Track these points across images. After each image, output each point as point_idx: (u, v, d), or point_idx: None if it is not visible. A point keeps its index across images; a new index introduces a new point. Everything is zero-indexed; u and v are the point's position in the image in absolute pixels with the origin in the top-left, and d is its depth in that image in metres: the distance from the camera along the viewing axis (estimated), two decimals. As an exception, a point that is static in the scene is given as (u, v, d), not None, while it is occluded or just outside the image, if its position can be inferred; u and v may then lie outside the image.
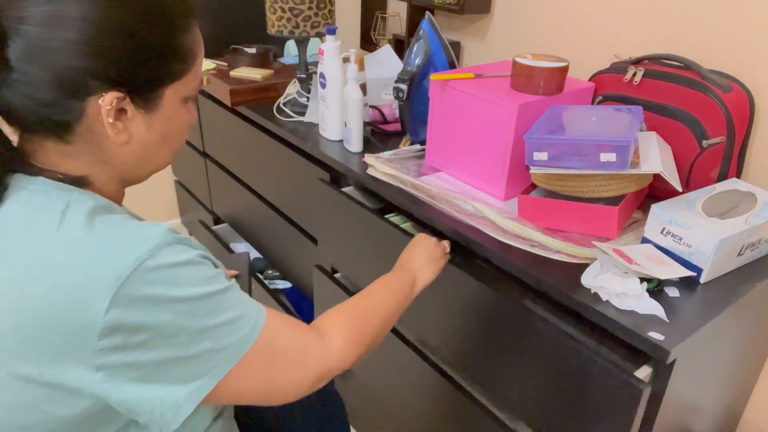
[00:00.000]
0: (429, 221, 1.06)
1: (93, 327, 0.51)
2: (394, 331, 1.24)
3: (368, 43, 1.90)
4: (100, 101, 0.56)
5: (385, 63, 1.55)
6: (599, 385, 0.83)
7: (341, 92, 1.29)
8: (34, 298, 0.52)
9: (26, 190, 0.57)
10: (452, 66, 1.24)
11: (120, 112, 0.59)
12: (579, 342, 0.84)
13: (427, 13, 1.23)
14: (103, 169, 0.63)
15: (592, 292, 0.83)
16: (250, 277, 0.95)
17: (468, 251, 1.02)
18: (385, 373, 1.31)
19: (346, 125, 1.29)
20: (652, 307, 0.80)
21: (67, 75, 0.55)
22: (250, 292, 0.97)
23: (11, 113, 0.57)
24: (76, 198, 0.57)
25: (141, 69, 0.58)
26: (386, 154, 1.24)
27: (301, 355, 0.65)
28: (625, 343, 0.84)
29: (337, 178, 1.34)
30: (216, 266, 0.64)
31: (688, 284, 0.86)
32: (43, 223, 0.54)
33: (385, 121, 1.45)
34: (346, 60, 1.28)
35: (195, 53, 0.64)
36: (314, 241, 1.51)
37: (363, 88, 1.33)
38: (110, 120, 0.58)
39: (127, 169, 0.65)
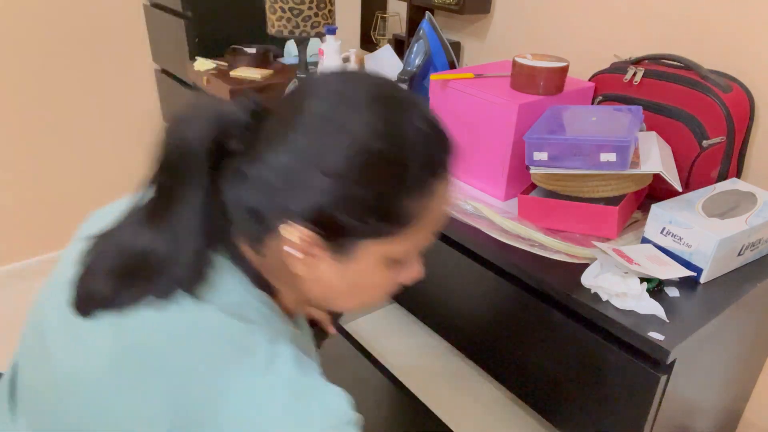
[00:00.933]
0: (429, 221, 1.06)
1: None
2: (423, 324, 1.23)
3: (368, 43, 1.90)
4: (286, 231, 0.53)
5: (385, 63, 1.55)
6: (616, 372, 0.83)
7: (341, 92, 1.29)
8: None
9: (226, 283, 0.56)
10: (452, 66, 1.24)
11: (309, 248, 0.54)
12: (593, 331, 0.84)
13: (427, 13, 1.23)
14: (289, 290, 0.60)
15: (592, 292, 0.83)
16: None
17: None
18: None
19: (346, 125, 1.29)
20: (652, 307, 0.80)
21: (274, 193, 0.53)
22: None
23: (226, 208, 0.56)
24: (276, 326, 0.56)
25: (338, 216, 0.52)
26: (386, 154, 1.24)
27: None
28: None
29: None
30: None
31: (688, 284, 0.86)
32: (249, 354, 0.52)
33: (385, 121, 1.45)
34: (346, 60, 1.29)
35: (416, 219, 0.55)
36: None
37: (363, 88, 1.33)
38: (296, 253, 0.55)
39: (312, 298, 0.61)
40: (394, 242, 0.55)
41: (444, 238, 1.05)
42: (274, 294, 0.59)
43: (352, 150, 0.50)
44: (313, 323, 0.97)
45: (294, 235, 0.53)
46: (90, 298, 0.56)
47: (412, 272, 0.62)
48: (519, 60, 1.04)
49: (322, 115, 0.52)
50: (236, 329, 0.53)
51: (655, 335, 0.75)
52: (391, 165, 0.52)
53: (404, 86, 1.17)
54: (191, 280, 0.54)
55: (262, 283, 0.58)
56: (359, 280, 0.58)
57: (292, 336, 0.58)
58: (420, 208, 0.54)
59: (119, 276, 0.56)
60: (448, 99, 1.11)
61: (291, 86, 1.61)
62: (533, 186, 1.06)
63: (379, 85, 0.55)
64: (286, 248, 0.54)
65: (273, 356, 0.52)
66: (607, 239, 0.94)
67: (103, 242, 0.59)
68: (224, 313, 0.53)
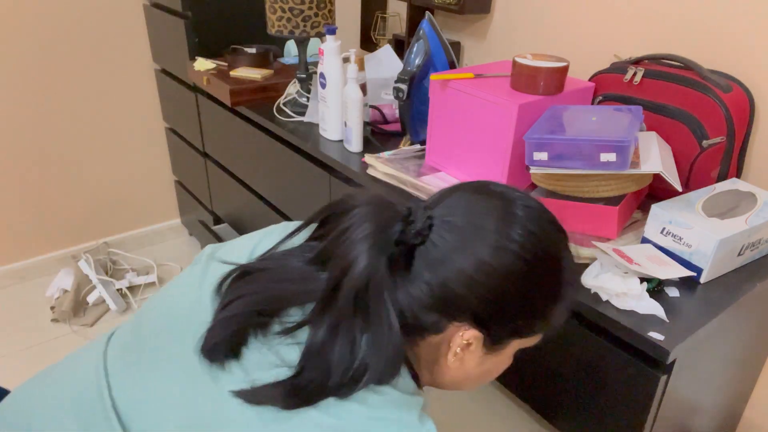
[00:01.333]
0: (429, 221, 1.06)
1: None
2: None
3: (368, 43, 1.90)
4: (460, 332, 0.58)
5: (385, 63, 1.55)
6: (616, 372, 0.83)
7: (341, 92, 1.29)
8: None
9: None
10: (452, 66, 1.24)
11: (467, 344, 0.60)
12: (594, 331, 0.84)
13: (427, 13, 1.23)
14: (425, 373, 0.65)
15: (592, 292, 0.83)
16: None
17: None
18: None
19: (346, 125, 1.29)
20: (652, 307, 0.80)
21: (452, 298, 0.56)
22: None
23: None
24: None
25: (509, 323, 0.59)
26: (386, 154, 1.24)
27: None
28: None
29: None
30: None
31: (688, 284, 0.86)
32: None
33: (385, 121, 1.45)
34: (346, 60, 1.29)
35: (552, 321, 0.62)
36: (314, 241, 1.51)
37: (363, 88, 1.33)
38: (458, 350, 0.60)
39: (440, 382, 0.66)
40: (532, 339, 0.63)
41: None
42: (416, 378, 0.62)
43: (520, 266, 0.56)
44: None
45: (466, 336, 0.58)
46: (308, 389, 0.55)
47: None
48: (519, 60, 1.04)
49: (493, 229, 0.57)
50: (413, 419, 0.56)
51: (655, 335, 0.75)
52: (551, 281, 0.59)
53: (404, 86, 1.17)
54: (389, 374, 0.56)
55: (411, 369, 0.61)
56: (494, 368, 0.65)
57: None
58: (556, 313, 0.61)
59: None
60: (448, 99, 1.11)
61: (291, 86, 1.60)
62: (533, 186, 1.06)
63: (534, 209, 0.61)
64: (454, 348, 0.59)
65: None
66: (607, 239, 0.94)
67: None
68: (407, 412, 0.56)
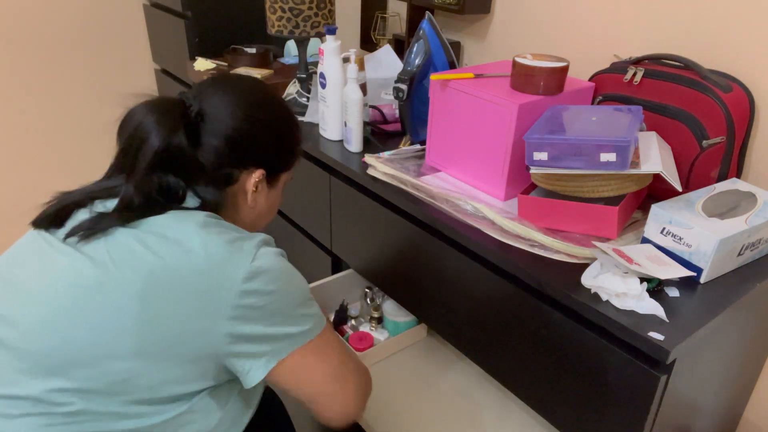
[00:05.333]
0: (429, 221, 1.06)
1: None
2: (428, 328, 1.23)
3: (368, 43, 1.90)
4: (253, 175, 0.85)
5: (385, 63, 1.55)
6: (616, 372, 0.83)
7: (341, 92, 1.29)
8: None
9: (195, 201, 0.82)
10: (452, 66, 1.24)
11: (258, 185, 0.86)
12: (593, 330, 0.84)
13: (427, 13, 1.23)
14: (234, 220, 0.88)
15: (592, 292, 0.83)
16: None
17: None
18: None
19: (346, 125, 1.29)
20: (652, 307, 0.80)
21: (235, 151, 0.82)
22: None
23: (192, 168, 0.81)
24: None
25: (279, 158, 0.89)
26: (386, 154, 1.24)
27: (343, 369, 0.84)
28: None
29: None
30: None
31: (688, 284, 0.86)
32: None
33: (385, 121, 1.45)
34: (346, 60, 1.28)
35: (298, 156, 0.94)
36: (314, 240, 1.51)
37: (363, 88, 1.33)
38: (253, 189, 0.86)
39: (248, 226, 0.90)
40: (290, 171, 0.93)
41: (444, 238, 1.05)
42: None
43: (277, 117, 0.88)
44: None
45: (256, 176, 0.85)
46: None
47: (282, 197, 0.98)
48: (519, 60, 1.04)
49: (243, 92, 0.85)
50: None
51: (655, 335, 0.75)
52: (291, 116, 0.92)
53: (404, 86, 1.17)
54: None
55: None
56: (273, 202, 0.93)
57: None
58: (299, 150, 0.93)
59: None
60: (448, 99, 1.11)
61: (291, 86, 1.60)
62: (533, 186, 1.06)
63: (261, 82, 0.95)
64: (250, 188, 0.85)
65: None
66: (607, 239, 0.94)
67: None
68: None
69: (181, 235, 0.73)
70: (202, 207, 0.80)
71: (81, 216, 0.77)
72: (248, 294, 0.72)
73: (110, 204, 0.77)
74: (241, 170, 0.83)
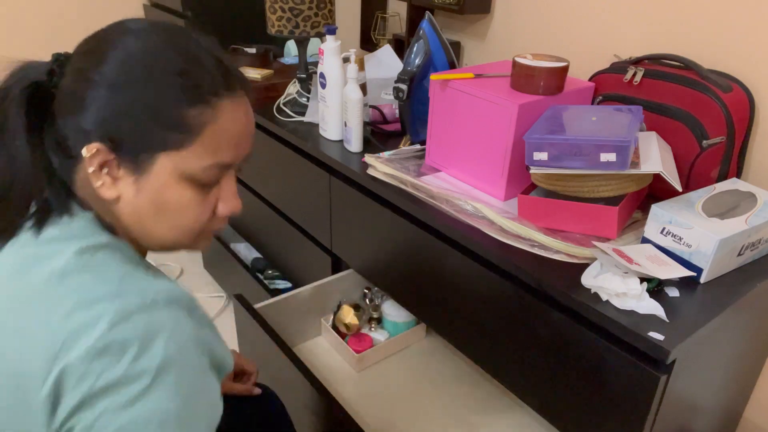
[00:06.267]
0: (429, 221, 1.06)
1: None
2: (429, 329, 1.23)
3: (368, 43, 1.90)
4: (83, 150, 0.58)
5: (385, 63, 1.55)
6: (616, 372, 0.83)
7: (341, 92, 1.29)
8: None
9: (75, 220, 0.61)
10: (452, 66, 1.24)
11: (107, 165, 0.59)
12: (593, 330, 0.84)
13: (427, 13, 1.23)
14: (107, 218, 0.63)
15: (592, 292, 0.83)
16: None
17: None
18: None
19: (346, 125, 1.29)
20: (652, 307, 0.80)
21: (66, 120, 0.59)
22: None
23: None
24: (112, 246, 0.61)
25: (122, 125, 0.57)
26: (386, 154, 1.24)
27: None
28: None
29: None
30: None
31: (688, 284, 0.86)
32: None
33: (385, 121, 1.45)
34: (346, 60, 1.28)
35: (201, 131, 0.59)
36: (314, 240, 1.51)
37: (363, 88, 1.33)
38: (91, 169, 0.59)
39: (130, 231, 0.64)
40: (186, 155, 0.59)
41: (444, 238, 1.05)
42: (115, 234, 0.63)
43: (124, 62, 0.57)
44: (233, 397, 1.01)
45: (86, 150, 0.58)
46: None
47: (226, 201, 0.65)
48: (519, 60, 1.04)
49: (102, 39, 0.59)
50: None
51: (655, 335, 0.75)
52: (165, 74, 0.57)
53: (404, 86, 1.17)
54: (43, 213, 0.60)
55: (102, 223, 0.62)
56: (159, 197, 0.61)
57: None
58: (205, 120, 0.59)
59: None
60: (448, 99, 1.11)
61: (291, 86, 1.60)
62: (533, 186, 1.06)
63: (174, 27, 0.62)
64: (88, 169, 0.59)
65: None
66: (607, 239, 0.94)
67: None
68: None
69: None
70: (43, 210, 0.60)
71: None
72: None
73: None
74: (75, 139, 0.59)
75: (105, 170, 0.59)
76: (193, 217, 0.63)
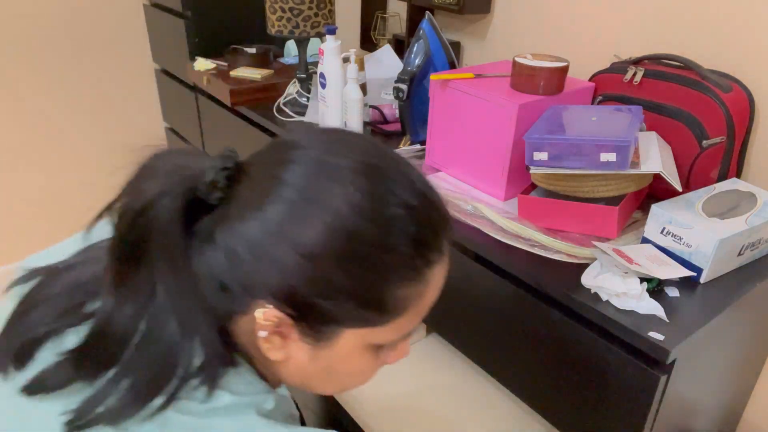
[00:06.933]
0: (429, 221, 1.06)
1: None
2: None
3: (368, 43, 1.90)
4: (257, 312, 0.48)
5: (385, 63, 1.55)
6: (616, 372, 0.83)
7: (341, 92, 1.29)
8: None
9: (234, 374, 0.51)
10: (452, 66, 1.24)
11: (281, 330, 0.50)
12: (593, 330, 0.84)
13: (427, 13, 1.23)
14: (263, 368, 0.55)
15: (592, 292, 0.83)
16: None
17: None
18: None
19: (346, 125, 1.29)
20: (652, 307, 0.80)
21: (244, 268, 0.47)
22: None
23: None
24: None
25: (312, 299, 0.47)
26: (386, 154, 1.24)
27: None
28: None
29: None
30: None
31: (688, 284, 0.86)
32: None
33: (385, 121, 1.45)
34: (346, 60, 1.28)
35: (405, 308, 0.50)
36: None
37: (363, 88, 1.33)
38: (264, 334, 0.49)
39: (287, 383, 0.58)
40: (381, 331, 0.51)
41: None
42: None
43: (330, 228, 0.45)
44: None
45: (262, 315, 0.48)
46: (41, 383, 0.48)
47: (399, 354, 0.58)
48: (519, 60, 1.04)
49: (300, 185, 0.46)
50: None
51: (655, 335, 0.75)
52: (374, 248, 0.46)
53: (404, 86, 1.17)
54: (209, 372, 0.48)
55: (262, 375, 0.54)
56: (337, 365, 0.53)
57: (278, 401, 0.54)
58: (410, 296, 0.49)
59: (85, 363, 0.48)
60: (448, 99, 1.11)
61: (291, 86, 1.60)
62: (533, 186, 1.06)
63: (366, 151, 0.49)
64: (259, 330, 0.49)
65: None
66: (607, 239, 0.94)
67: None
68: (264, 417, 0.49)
69: None
70: (208, 365, 0.48)
71: (44, 357, 0.49)
72: None
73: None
74: (251, 297, 0.48)
75: (277, 332, 0.50)
76: (366, 377, 0.57)
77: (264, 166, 0.49)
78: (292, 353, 0.51)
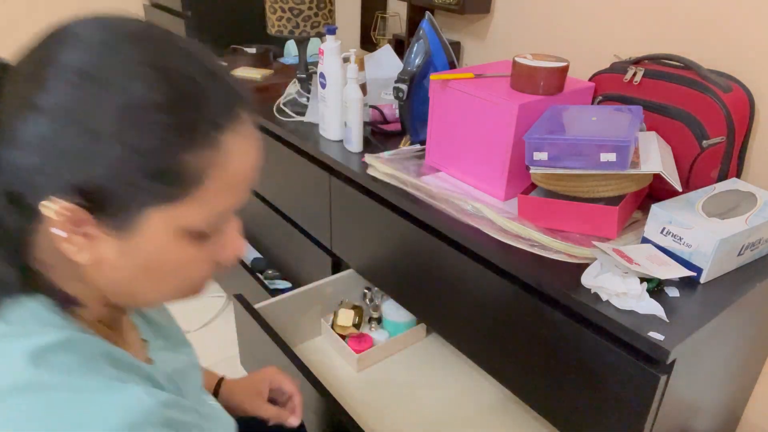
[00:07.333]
0: (429, 221, 1.06)
1: None
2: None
3: (368, 43, 1.90)
4: (45, 208, 0.44)
5: (385, 63, 1.56)
6: (616, 372, 0.83)
7: (341, 92, 1.29)
8: None
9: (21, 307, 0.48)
10: (452, 66, 1.24)
11: (78, 226, 0.46)
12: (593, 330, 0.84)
13: (427, 13, 1.23)
14: (76, 285, 0.51)
15: (592, 292, 0.83)
16: None
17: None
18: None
19: (346, 125, 1.29)
20: (652, 307, 0.80)
21: (18, 168, 0.44)
22: None
23: None
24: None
25: (101, 181, 0.44)
26: (386, 154, 1.24)
27: None
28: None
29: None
30: None
31: (688, 284, 0.86)
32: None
33: (385, 121, 1.45)
34: (346, 60, 1.28)
35: (204, 178, 0.47)
36: (314, 240, 1.51)
37: (363, 88, 1.33)
38: (61, 233, 0.45)
39: (109, 295, 0.53)
40: (185, 208, 0.47)
41: (444, 238, 1.05)
42: (79, 307, 0.52)
43: (108, 102, 0.43)
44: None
45: (52, 211, 0.44)
46: None
47: (230, 247, 0.54)
48: (519, 60, 1.04)
49: (78, 66, 0.44)
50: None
51: (655, 335, 0.75)
52: (153, 114, 0.44)
53: (404, 86, 1.17)
54: None
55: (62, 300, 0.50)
56: (155, 259, 0.49)
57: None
58: (204, 164, 0.46)
59: None
60: (448, 99, 1.11)
61: (291, 86, 1.60)
62: (533, 186, 1.06)
63: (142, 29, 0.47)
64: (52, 230, 0.45)
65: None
66: (607, 239, 0.94)
67: None
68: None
69: None
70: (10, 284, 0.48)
71: None
72: None
73: None
74: (36, 195, 0.45)
75: (77, 230, 0.46)
76: (195, 274, 0.53)
77: (34, 58, 0.46)
78: (100, 252, 0.48)
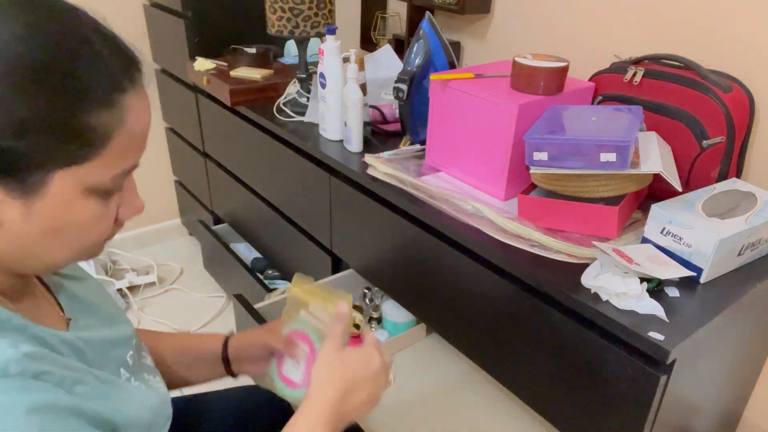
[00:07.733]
0: (429, 221, 1.06)
1: None
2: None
3: (368, 43, 1.90)
4: None
5: (385, 63, 1.55)
6: (616, 372, 0.83)
7: (341, 92, 1.29)
8: None
9: None
10: (452, 66, 1.24)
11: None
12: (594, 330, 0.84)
13: (427, 13, 1.23)
14: None
15: (592, 292, 0.83)
16: None
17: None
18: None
19: (346, 125, 1.29)
20: (652, 307, 0.80)
21: None
22: None
23: None
24: None
25: (8, 144, 0.44)
26: (386, 154, 1.24)
27: None
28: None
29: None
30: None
31: (688, 284, 0.86)
32: None
33: (385, 121, 1.45)
34: (346, 60, 1.28)
35: (109, 135, 0.48)
36: (314, 240, 1.51)
37: (363, 88, 1.33)
38: None
39: (8, 260, 0.52)
40: (93, 168, 0.49)
41: (444, 238, 1.05)
42: None
43: (4, 61, 0.43)
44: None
45: None
46: None
47: (130, 204, 0.56)
48: (519, 60, 1.04)
49: None
50: None
51: (655, 335, 0.75)
52: (54, 75, 0.45)
53: (404, 86, 1.17)
54: None
55: None
56: (62, 220, 0.50)
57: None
58: (108, 123, 0.48)
59: None
60: (448, 99, 1.11)
61: (291, 86, 1.60)
62: (533, 186, 1.06)
63: None
64: None
65: None
66: (607, 239, 0.94)
67: None
68: None
69: None
70: None
71: None
72: None
73: None
74: None
75: None
76: (99, 231, 0.54)
77: None
78: (3, 217, 0.48)
